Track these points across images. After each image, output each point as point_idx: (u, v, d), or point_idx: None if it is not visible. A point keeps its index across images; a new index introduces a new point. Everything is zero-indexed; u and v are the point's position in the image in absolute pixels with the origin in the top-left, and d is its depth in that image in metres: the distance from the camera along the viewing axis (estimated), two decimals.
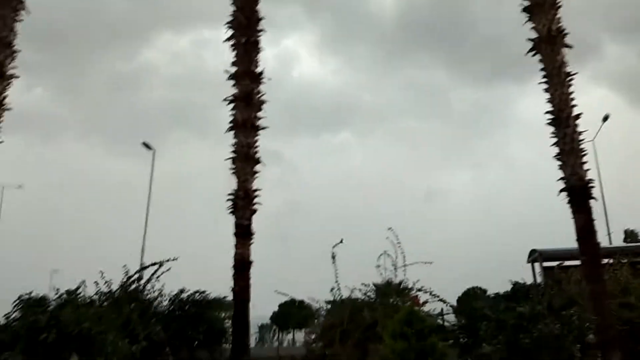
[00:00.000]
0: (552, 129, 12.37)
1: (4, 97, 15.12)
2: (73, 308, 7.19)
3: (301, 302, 27.95)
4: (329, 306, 16.19)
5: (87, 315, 7.18)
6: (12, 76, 15.36)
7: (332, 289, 15.20)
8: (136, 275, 11.28)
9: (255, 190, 13.22)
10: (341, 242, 18.34)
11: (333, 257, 16.34)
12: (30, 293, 7.43)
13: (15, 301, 7.49)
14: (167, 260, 11.43)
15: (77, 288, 8.57)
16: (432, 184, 50.32)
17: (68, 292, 7.61)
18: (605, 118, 27.88)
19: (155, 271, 11.65)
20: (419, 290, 14.37)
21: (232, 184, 13.26)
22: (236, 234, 12.76)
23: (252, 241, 12.81)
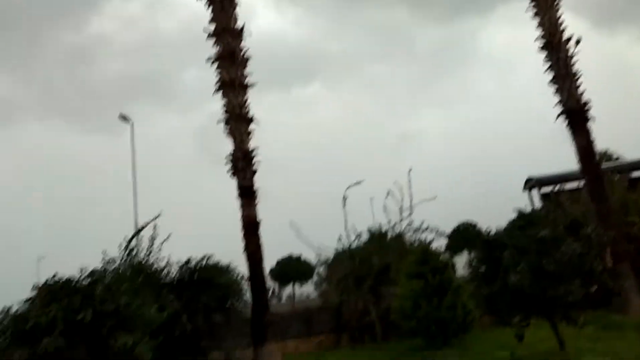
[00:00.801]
0: (543, 55, 12.43)
1: None
2: (105, 285, 7.06)
3: (298, 257, 28.40)
4: (335, 255, 16.47)
5: (121, 290, 7.09)
6: None
7: (339, 238, 15.40)
8: (133, 243, 11.22)
9: (253, 150, 12.99)
10: (358, 183, 18.31)
11: (345, 199, 16.40)
12: (55, 276, 7.23)
13: (37, 285, 7.30)
14: (152, 220, 11.36)
15: (107, 264, 8.42)
16: (406, 127, 50.42)
17: (95, 270, 7.44)
18: (578, 41, 27.99)
19: (153, 241, 11.66)
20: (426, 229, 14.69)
21: (228, 146, 13.00)
22: (240, 196, 12.61)
23: (257, 201, 12.70)
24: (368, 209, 17.68)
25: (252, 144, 13.04)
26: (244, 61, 13.49)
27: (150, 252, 11.86)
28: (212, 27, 13.65)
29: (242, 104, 13.22)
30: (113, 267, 10.02)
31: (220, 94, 13.33)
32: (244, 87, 13.35)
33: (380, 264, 13.96)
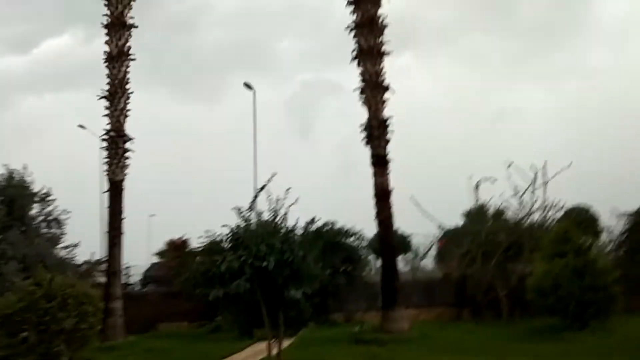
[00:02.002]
0: None
1: (129, 48, 15.56)
2: (282, 237, 7.56)
3: (396, 230, 28.48)
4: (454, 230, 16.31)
5: (295, 243, 7.56)
6: (132, 25, 15.72)
7: (467, 212, 15.24)
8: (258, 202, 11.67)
9: (388, 119, 13.08)
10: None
11: (477, 183, 16.02)
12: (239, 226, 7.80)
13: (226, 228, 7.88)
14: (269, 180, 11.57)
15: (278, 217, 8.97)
16: (504, 103, 47.63)
17: (268, 222, 7.93)
18: None
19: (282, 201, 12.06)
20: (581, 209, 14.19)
21: (363, 114, 13.15)
22: (374, 164, 12.81)
23: (389, 170, 12.84)
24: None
25: (386, 113, 13.15)
26: (382, 28, 13.49)
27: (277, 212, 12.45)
28: None
29: (379, 72, 13.29)
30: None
31: (355, 62, 13.48)
32: (381, 55, 13.39)
33: (508, 240, 13.69)
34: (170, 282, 16.42)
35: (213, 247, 7.94)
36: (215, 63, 48.53)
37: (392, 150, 12.90)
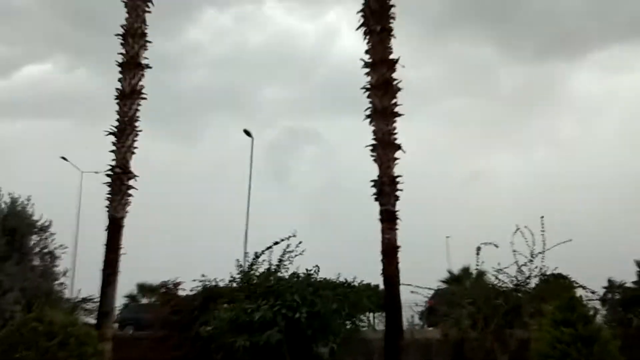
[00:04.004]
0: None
1: (141, 87, 15.76)
2: (314, 289, 7.54)
3: (376, 286, 28.41)
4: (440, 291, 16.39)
5: (326, 296, 7.54)
6: (147, 65, 15.98)
7: (451, 274, 15.30)
8: (263, 259, 11.61)
9: (398, 177, 13.39)
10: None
11: (478, 248, 16.17)
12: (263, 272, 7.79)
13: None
14: (283, 240, 11.39)
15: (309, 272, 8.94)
16: (479, 165, 49.46)
17: (297, 273, 7.96)
18: None
19: (284, 253, 12.00)
20: (560, 276, 14.46)
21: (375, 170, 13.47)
22: (382, 220, 12.99)
23: (397, 226, 13.03)
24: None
25: (396, 171, 13.48)
26: (396, 90, 14.04)
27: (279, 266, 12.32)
28: (367, 57, 14.34)
29: (391, 132, 13.73)
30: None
31: (368, 121, 13.96)
32: (394, 115, 13.87)
33: (507, 305, 13.81)
34: (156, 326, 15.88)
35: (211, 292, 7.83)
36: (198, 103, 49.15)
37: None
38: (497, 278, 14.86)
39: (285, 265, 11.77)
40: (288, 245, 11.60)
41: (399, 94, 14.06)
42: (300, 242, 10.12)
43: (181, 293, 15.68)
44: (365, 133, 13.80)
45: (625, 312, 16.43)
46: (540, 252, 14.38)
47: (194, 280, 14.30)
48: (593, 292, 14.14)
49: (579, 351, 10.71)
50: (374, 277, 15.49)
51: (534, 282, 14.57)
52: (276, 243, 12.20)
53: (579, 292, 14.34)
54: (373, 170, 13.46)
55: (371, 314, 18.65)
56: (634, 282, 18.75)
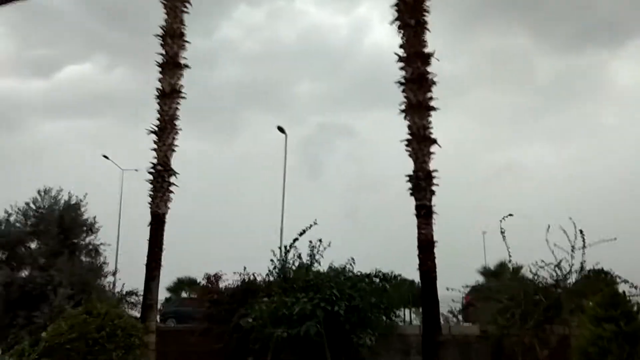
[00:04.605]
0: None
1: (181, 87, 16.16)
2: (351, 283, 7.66)
3: (412, 281, 28.25)
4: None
5: (364, 290, 7.64)
6: (185, 65, 16.38)
7: (486, 269, 15.09)
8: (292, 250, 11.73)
9: (434, 171, 13.32)
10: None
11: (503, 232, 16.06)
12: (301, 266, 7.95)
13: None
14: (309, 227, 11.44)
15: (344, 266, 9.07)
16: (510, 158, 48.52)
17: (335, 268, 8.09)
18: None
19: (316, 248, 12.13)
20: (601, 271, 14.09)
21: (409, 165, 13.43)
22: (418, 215, 12.94)
23: (433, 221, 12.97)
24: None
25: (432, 165, 13.41)
26: (431, 84, 13.94)
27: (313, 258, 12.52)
28: (402, 51, 14.28)
29: (427, 126, 13.65)
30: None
31: (403, 115, 13.90)
32: (429, 109, 13.79)
33: (547, 300, 13.57)
34: (197, 319, 16.28)
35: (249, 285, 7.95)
36: (231, 100, 49.82)
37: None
38: (535, 274, 14.64)
39: (316, 259, 12.16)
40: (320, 240, 11.92)
41: (433, 88, 14.01)
42: (329, 242, 10.28)
43: (221, 286, 16.00)
44: (400, 127, 13.76)
45: None
46: (581, 247, 14.07)
47: (235, 273, 14.61)
48: (636, 287, 13.67)
49: (621, 348, 10.46)
50: (408, 271, 15.54)
51: (574, 277, 14.27)
52: (302, 234, 12.45)
53: (622, 287, 13.99)
54: (408, 165, 13.43)
55: (407, 309, 18.58)
56: None
